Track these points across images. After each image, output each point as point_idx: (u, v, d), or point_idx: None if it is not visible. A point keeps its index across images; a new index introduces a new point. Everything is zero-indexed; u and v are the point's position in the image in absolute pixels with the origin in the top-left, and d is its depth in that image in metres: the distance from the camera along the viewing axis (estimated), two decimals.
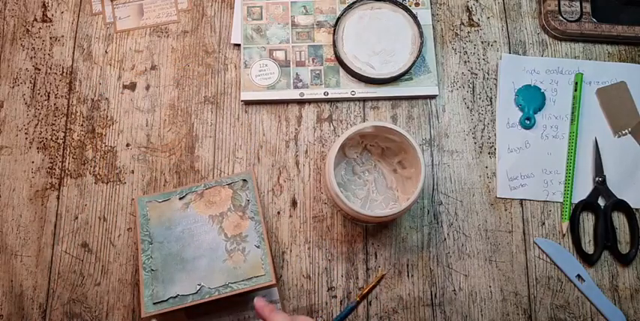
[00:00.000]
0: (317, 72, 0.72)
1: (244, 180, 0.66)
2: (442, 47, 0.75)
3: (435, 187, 0.69)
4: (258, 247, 0.62)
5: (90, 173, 0.69)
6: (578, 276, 0.67)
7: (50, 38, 0.74)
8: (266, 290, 0.64)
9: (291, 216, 0.68)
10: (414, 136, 0.71)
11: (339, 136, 0.70)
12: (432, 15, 0.75)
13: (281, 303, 0.64)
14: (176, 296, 0.60)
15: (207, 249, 0.62)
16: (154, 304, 0.60)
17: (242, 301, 0.64)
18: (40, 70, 0.73)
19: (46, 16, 0.75)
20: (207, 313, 0.64)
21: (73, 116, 0.72)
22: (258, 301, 0.57)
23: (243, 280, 0.61)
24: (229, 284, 0.60)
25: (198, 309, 0.63)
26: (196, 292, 0.60)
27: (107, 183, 0.69)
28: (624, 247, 0.68)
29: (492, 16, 0.76)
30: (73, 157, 0.70)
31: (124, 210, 0.68)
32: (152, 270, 0.61)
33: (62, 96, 0.72)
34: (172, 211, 0.65)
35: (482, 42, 0.75)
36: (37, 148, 0.70)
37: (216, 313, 0.64)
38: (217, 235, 0.63)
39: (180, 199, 0.65)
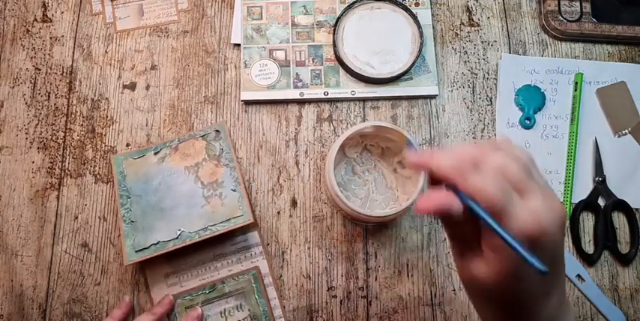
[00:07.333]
0: (317, 72, 0.72)
1: (217, 131, 0.67)
2: (442, 47, 0.75)
3: None
4: (234, 190, 0.64)
5: (90, 173, 0.69)
6: (578, 276, 0.67)
7: (50, 38, 0.74)
8: (246, 235, 0.65)
9: (291, 216, 0.68)
10: (414, 136, 0.71)
11: (339, 136, 0.70)
12: (432, 15, 0.75)
13: (263, 247, 0.65)
14: (157, 243, 0.61)
15: (184, 197, 0.64)
16: (136, 251, 0.61)
17: (220, 239, 0.65)
18: (40, 70, 0.73)
19: (46, 16, 0.75)
20: (187, 254, 0.65)
21: (73, 116, 0.72)
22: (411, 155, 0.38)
23: (221, 222, 0.62)
24: (208, 227, 0.62)
25: (179, 252, 0.64)
26: (177, 237, 0.61)
27: (107, 183, 0.69)
28: (624, 247, 0.68)
29: (492, 16, 0.76)
30: (73, 157, 0.70)
31: None
32: (132, 221, 0.63)
33: (62, 96, 0.72)
34: (148, 165, 0.66)
35: (482, 42, 0.75)
36: (37, 148, 0.70)
37: (196, 254, 0.65)
38: (194, 184, 0.64)
39: (156, 154, 0.67)
